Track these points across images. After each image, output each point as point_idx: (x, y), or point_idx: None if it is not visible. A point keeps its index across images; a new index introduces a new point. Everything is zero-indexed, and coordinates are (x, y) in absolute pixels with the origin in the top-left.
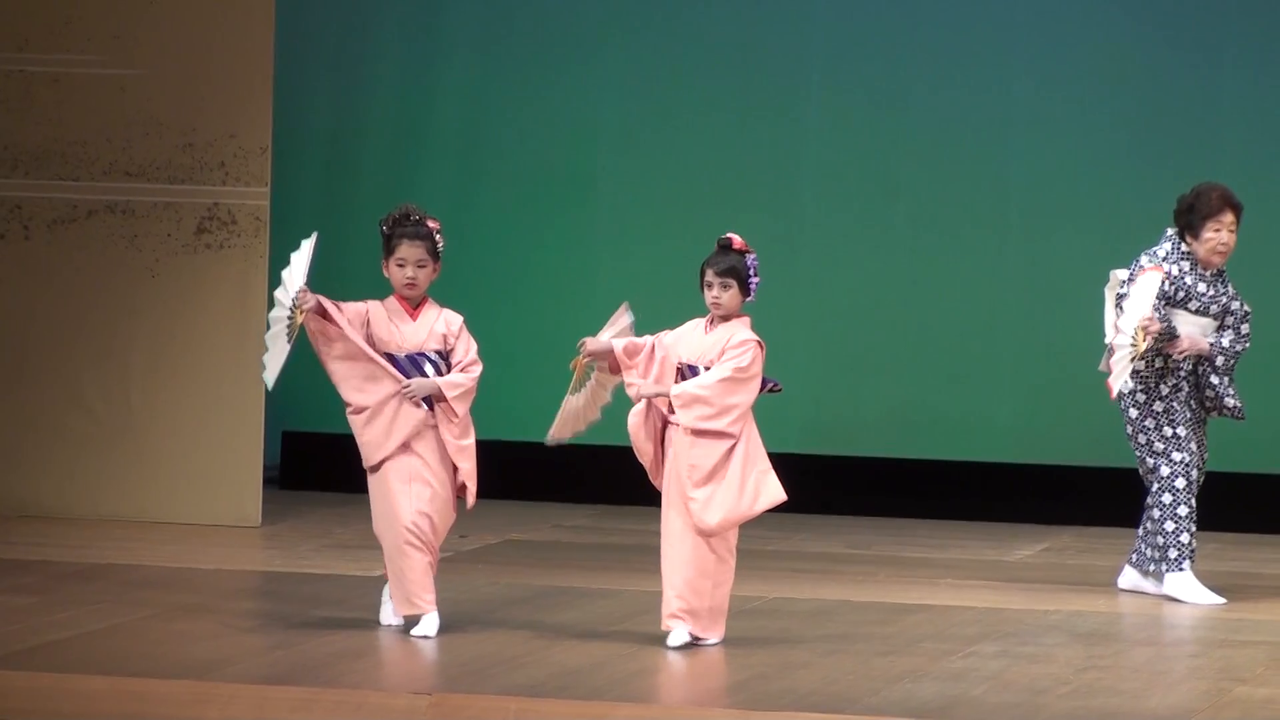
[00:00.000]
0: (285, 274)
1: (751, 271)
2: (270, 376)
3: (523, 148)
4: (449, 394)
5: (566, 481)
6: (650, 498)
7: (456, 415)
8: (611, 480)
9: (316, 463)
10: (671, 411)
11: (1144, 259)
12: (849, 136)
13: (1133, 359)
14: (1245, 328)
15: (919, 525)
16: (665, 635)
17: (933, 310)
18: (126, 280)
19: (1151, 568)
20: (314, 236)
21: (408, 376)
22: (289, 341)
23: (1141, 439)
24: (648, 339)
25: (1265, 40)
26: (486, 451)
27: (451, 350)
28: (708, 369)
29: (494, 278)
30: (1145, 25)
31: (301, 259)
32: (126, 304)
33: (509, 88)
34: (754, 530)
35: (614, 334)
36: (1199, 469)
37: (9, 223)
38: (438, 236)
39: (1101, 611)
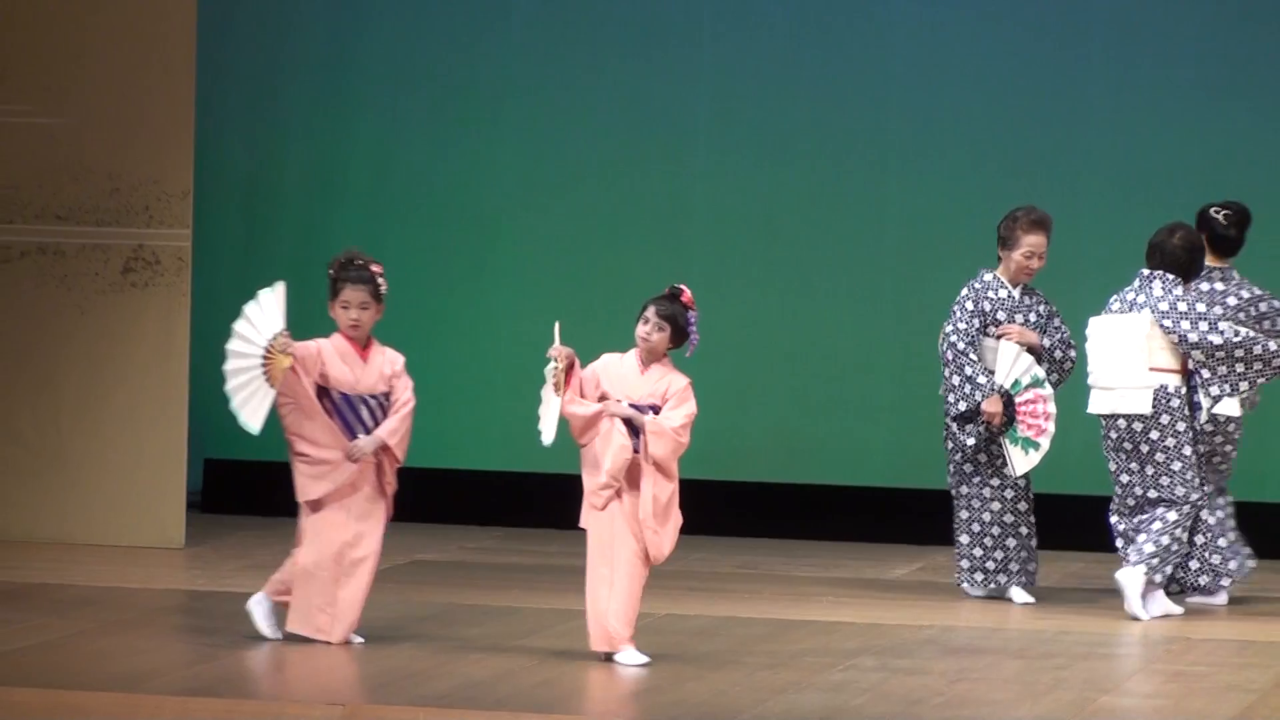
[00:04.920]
0: (253, 312)
1: (691, 327)
2: (255, 424)
3: (429, 193)
4: (392, 442)
5: (473, 506)
6: (552, 521)
7: (400, 460)
8: (516, 505)
9: (236, 488)
10: (634, 435)
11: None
12: (734, 181)
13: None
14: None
15: (803, 546)
16: (578, 651)
17: (813, 344)
18: (58, 317)
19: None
20: (282, 285)
21: (344, 416)
22: (272, 387)
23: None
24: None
25: (1124, 85)
26: (399, 477)
27: (391, 389)
28: (654, 408)
29: (402, 315)
30: (1013, 69)
31: (275, 301)
32: (58, 340)
33: (417, 136)
34: None
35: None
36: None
37: None
38: (380, 280)
39: (974, 626)
